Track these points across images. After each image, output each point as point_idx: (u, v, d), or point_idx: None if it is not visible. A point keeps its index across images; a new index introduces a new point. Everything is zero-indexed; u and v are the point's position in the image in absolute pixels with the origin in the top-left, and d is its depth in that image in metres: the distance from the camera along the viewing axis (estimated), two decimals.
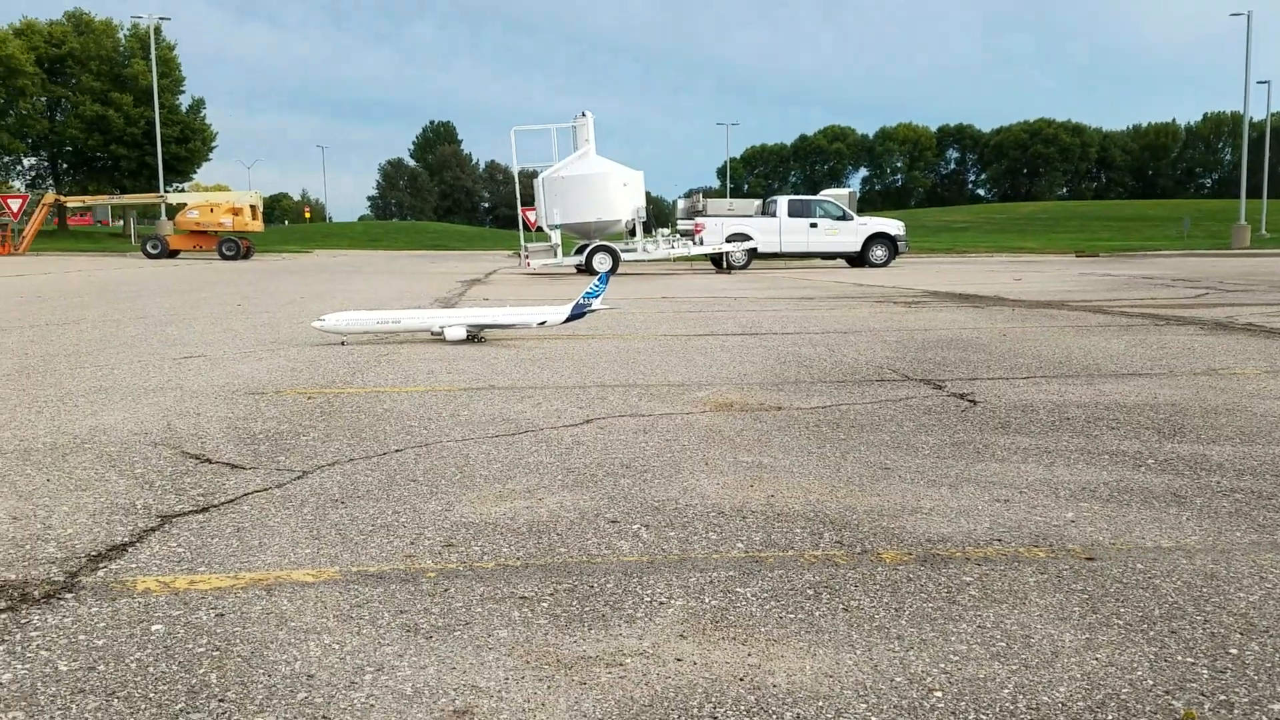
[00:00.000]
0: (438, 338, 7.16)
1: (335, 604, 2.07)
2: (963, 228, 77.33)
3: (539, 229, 25.35)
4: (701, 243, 25.46)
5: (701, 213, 27.40)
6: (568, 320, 7.68)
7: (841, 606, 2.06)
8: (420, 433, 3.93)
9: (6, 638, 1.86)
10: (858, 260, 27.38)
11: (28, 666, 1.74)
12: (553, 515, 2.74)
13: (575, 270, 23.39)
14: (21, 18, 61.22)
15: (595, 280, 7.97)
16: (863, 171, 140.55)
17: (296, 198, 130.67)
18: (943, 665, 1.80)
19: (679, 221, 27.61)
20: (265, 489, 3.03)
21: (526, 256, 24.13)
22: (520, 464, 3.38)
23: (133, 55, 62.14)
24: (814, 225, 27.12)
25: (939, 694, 1.68)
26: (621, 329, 8.55)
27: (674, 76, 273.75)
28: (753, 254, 26.56)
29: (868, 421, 4.14)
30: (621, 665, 1.77)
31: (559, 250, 23.56)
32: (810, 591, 2.14)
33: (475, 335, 7.21)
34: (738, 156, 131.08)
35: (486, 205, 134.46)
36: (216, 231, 37.81)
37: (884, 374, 5.59)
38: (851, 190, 40.26)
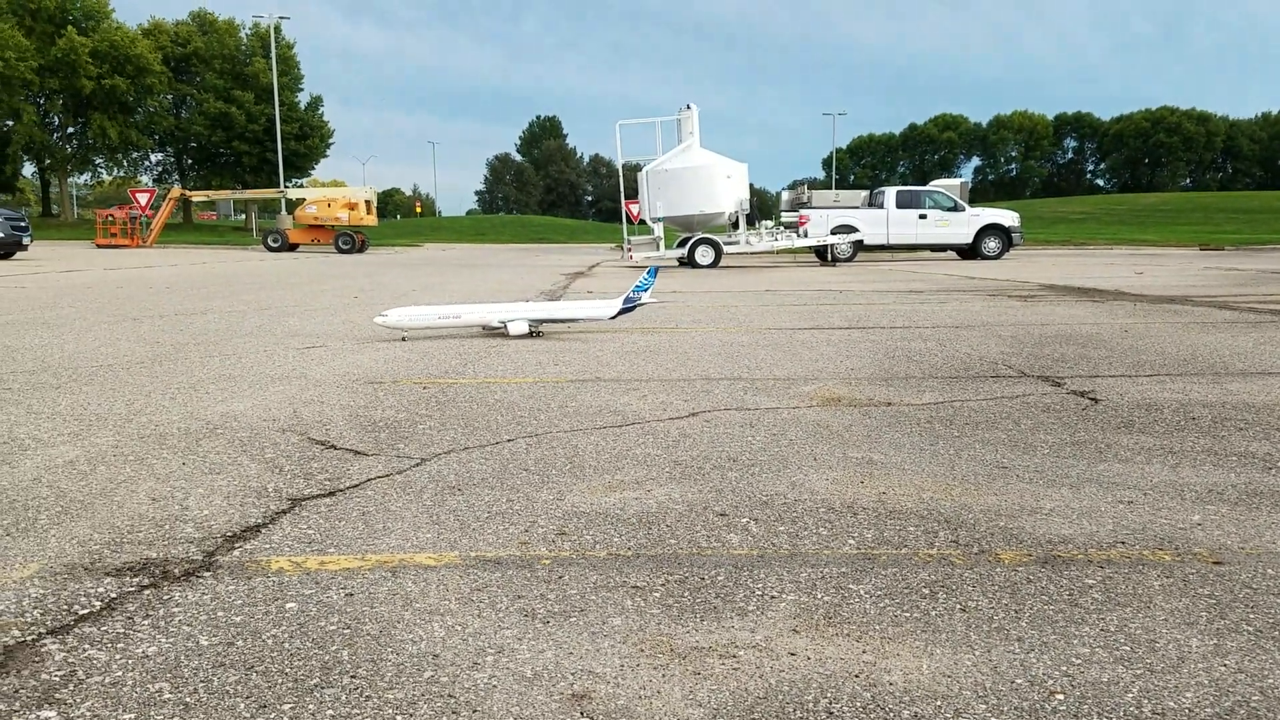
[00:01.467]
0: (497, 331, 7.14)
1: (456, 587, 2.14)
2: (1080, 219, 74.66)
3: (642, 222, 25.47)
4: (805, 235, 25.19)
5: (806, 204, 27.15)
6: (619, 314, 7.64)
7: (959, 606, 2.03)
8: (530, 423, 4.01)
9: (151, 613, 1.98)
10: (969, 253, 26.70)
11: (171, 640, 1.85)
12: (661, 507, 2.77)
13: (677, 263, 23.42)
14: (150, 18, 64.26)
15: (645, 273, 7.92)
16: (975, 161, 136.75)
17: (408, 193, 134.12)
18: (1064, 668, 1.76)
19: (783, 213, 27.40)
20: (387, 475, 3.14)
21: (629, 249, 24.26)
22: (628, 455, 3.42)
23: (254, 54, 64.58)
24: (923, 216, 26.54)
25: (1060, 697, 1.65)
26: (725, 322, 8.54)
27: (780, 67, 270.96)
28: (858, 246, 26.16)
29: (983, 419, 4.06)
30: (735, 657, 1.78)
31: (661, 243, 23.62)
32: (926, 590, 2.12)
33: (535, 330, 7.22)
34: (844, 147, 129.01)
35: (590, 199, 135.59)
36: (333, 226, 39.05)
37: (999, 370, 5.46)
38: (963, 180, 39.26)
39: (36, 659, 1.75)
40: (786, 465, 3.26)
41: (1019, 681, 1.71)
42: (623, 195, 26.13)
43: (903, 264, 24.80)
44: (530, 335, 7.08)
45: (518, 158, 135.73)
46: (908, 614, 2.00)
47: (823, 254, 25.92)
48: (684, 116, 23.89)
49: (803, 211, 26.11)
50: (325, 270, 20.88)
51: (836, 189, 41.80)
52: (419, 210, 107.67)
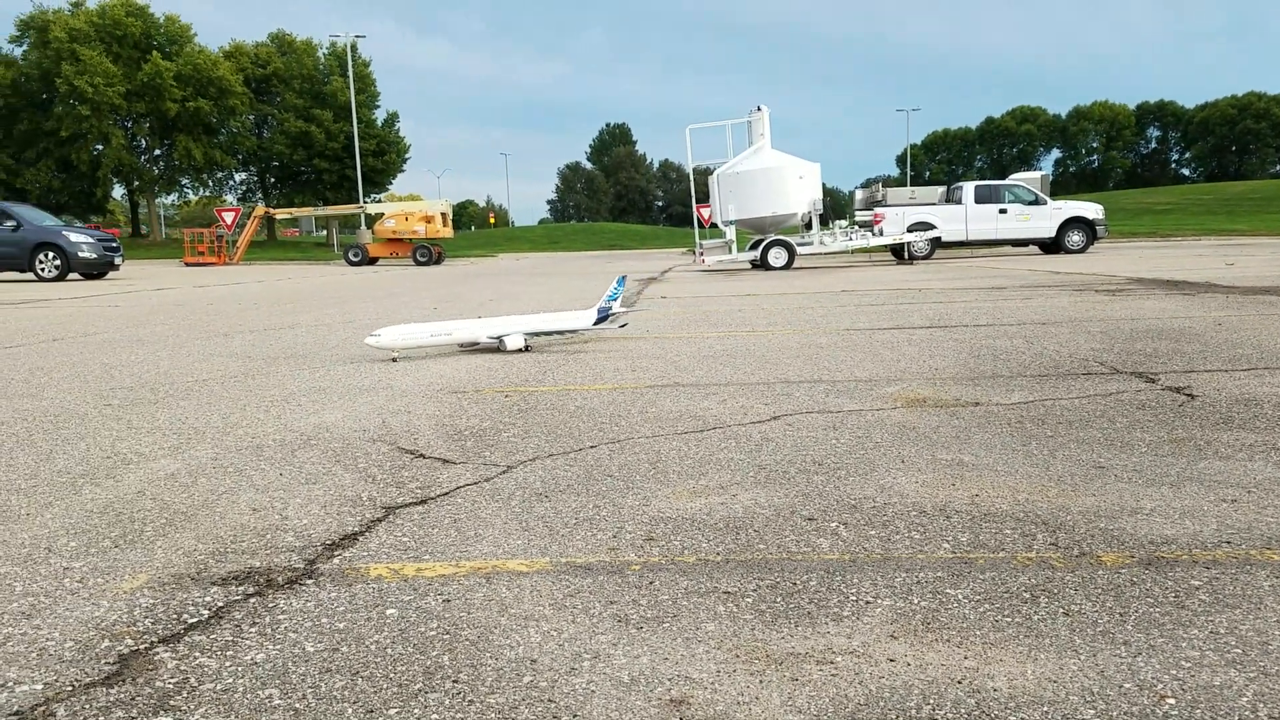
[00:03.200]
0: (491, 348, 6.79)
1: (549, 593, 2.16)
2: (1166, 210, 72.33)
3: (713, 225, 25.42)
4: (881, 233, 24.89)
5: (881, 202, 26.82)
6: (596, 324, 7.34)
7: (1061, 610, 1.99)
8: (612, 429, 4.03)
9: (257, 621, 2.04)
10: (1052, 247, 26.09)
11: (278, 647, 1.90)
12: (748, 512, 2.76)
13: (750, 265, 23.33)
14: (230, 41, 66.43)
15: (614, 283, 7.69)
16: (1055, 153, 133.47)
17: (481, 204, 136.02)
18: (1174, 672, 1.71)
19: (857, 212, 27.10)
20: (475, 483, 3.18)
21: (701, 253, 24.24)
22: (711, 460, 3.42)
23: (331, 73, 66.28)
24: (1003, 211, 26.01)
25: (1172, 701, 1.61)
26: (802, 323, 8.47)
27: (851, 65, 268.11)
28: (936, 243, 25.75)
29: (1076, 417, 3.96)
30: (832, 663, 1.77)
31: (734, 246, 23.56)
32: (1026, 594, 2.08)
33: (527, 345, 6.82)
34: (918, 143, 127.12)
35: (660, 204, 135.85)
36: (411, 239, 39.82)
37: (1090, 367, 5.32)
38: (1043, 173, 38.38)
39: (150, 667, 1.82)
40: (874, 468, 3.22)
41: (1127, 686, 1.66)
42: (694, 199, 26.14)
43: (982, 260, 24.33)
44: (524, 350, 6.74)
45: (588, 166, 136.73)
46: (1009, 619, 1.96)
47: (899, 252, 25.58)
48: (755, 118, 23.80)
49: (878, 210, 25.81)
50: (404, 283, 21.28)
51: (912, 186, 41.21)
52: (493, 221, 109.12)
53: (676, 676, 1.73)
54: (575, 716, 1.59)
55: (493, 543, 2.55)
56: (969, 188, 26.61)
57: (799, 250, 23.15)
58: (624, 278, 8.01)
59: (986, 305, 9.86)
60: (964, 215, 25.95)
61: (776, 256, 22.62)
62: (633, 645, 1.87)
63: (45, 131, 58.55)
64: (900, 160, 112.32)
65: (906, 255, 25.16)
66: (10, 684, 1.74)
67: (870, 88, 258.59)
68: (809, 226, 23.60)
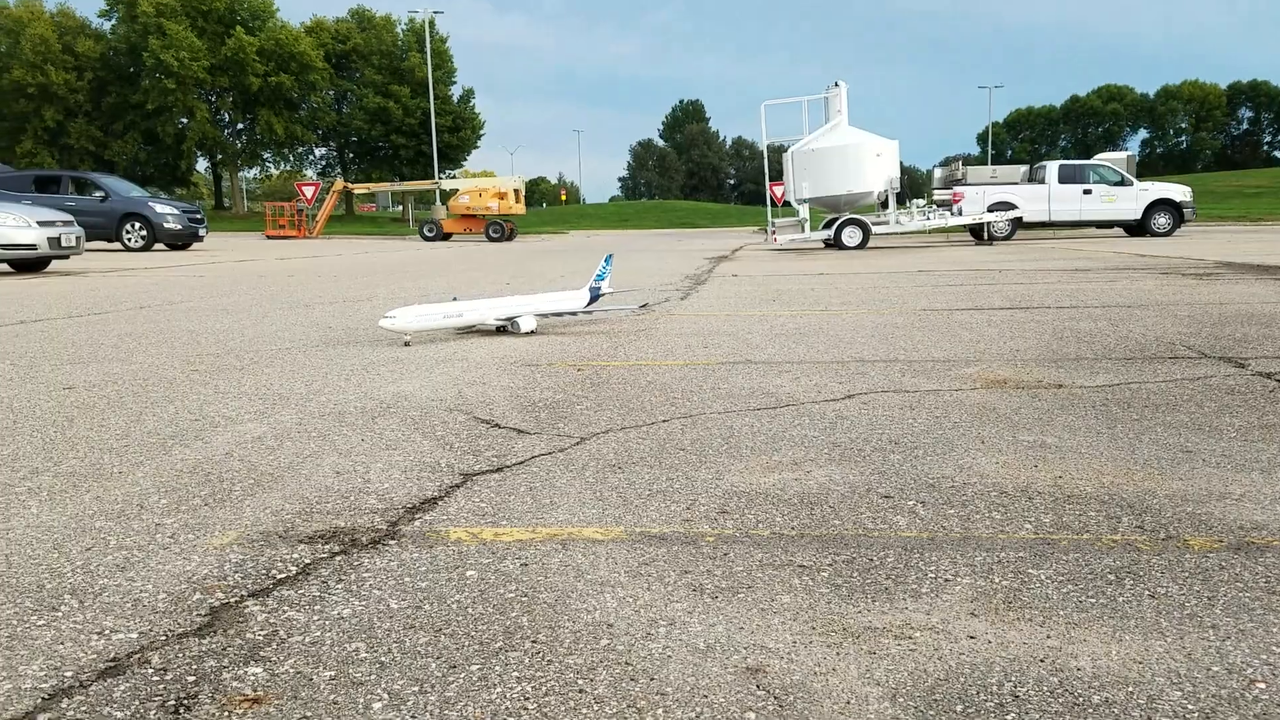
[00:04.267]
0: (501, 330, 6.52)
1: (624, 561, 2.18)
2: (1256, 193, 69.54)
3: (786, 204, 25.19)
4: (960, 213, 24.39)
5: (960, 181, 26.27)
6: (590, 304, 7.02)
7: (1147, 593, 1.94)
8: (684, 404, 4.03)
9: (343, 578, 2.10)
10: (1137, 229, 25.32)
11: (364, 603, 1.95)
12: (822, 488, 2.75)
13: (823, 244, 23.07)
14: (311, 17, 67.44)
15: (602, 262, 7.40)
16: (1142, 134, 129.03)
17: (553, 181, 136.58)
18: (1264, 657, 1.66)
19: (935, 191, 26.59)
20: (549, 453, 3.22)
21: (773, 232, 24.04)
22: (784, 437, 3.40)
23: (410, 49, 67.00)
24: (1088, 192, 25.30)
25: (1262, 685, 1.56)
26: (877, 303, 8.37)
27: (933, 40, 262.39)
28: (1017, 224, 25.16)
29: (1162, 401, 3.85)
30: (910, 638, 1.76)
31: (807, 225, 23.30)
32: (1111, 576, 2.03)
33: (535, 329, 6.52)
34: (1000, 121, 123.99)
35: (732, 182, 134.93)
36: (484, 215, 40.19)
37: (1177, 351, 5.16)
38: (1130, 154, 37.23)
39: (240, 619, 1.88)
40: (952, 448, 3.18)
41: (1216, 669, 1.62)
42: (767, 177, 25.90)
43: (1065, 242, 23.73)
44: (533, 332, 6.45)
45: (660, 143, 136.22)
46: (1093, 600, 1.92)
47: (978, 232, 25.06)
48: (832, 94, 23.46)
49: (957, 189, 25.31)
50: (478, 258, 21.52)
51: (993, 165, 40.26)
52: (564, 198, 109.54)
53: (753, 645, 1.73)
54: (652, 680, 1.60)
55: (568, 511, 2.58)
56: (1053, 167, 25.93)
57: (874, 230, 22.80)
58: (610, 256, 7.61)
59: (1069, 287, 9.62)
60: (1047, 195, 25.30)
61: (851, 236, 22.33)
62: (708, 614, 1.88)
63: (132, 104, 60.27)
64: (981, 138, 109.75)
65: (986, 236, 24.63)
66: (107, 632, 1.82)
67: (952, 63, 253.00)
68: (885, 205, 23.23)
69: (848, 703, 1.52)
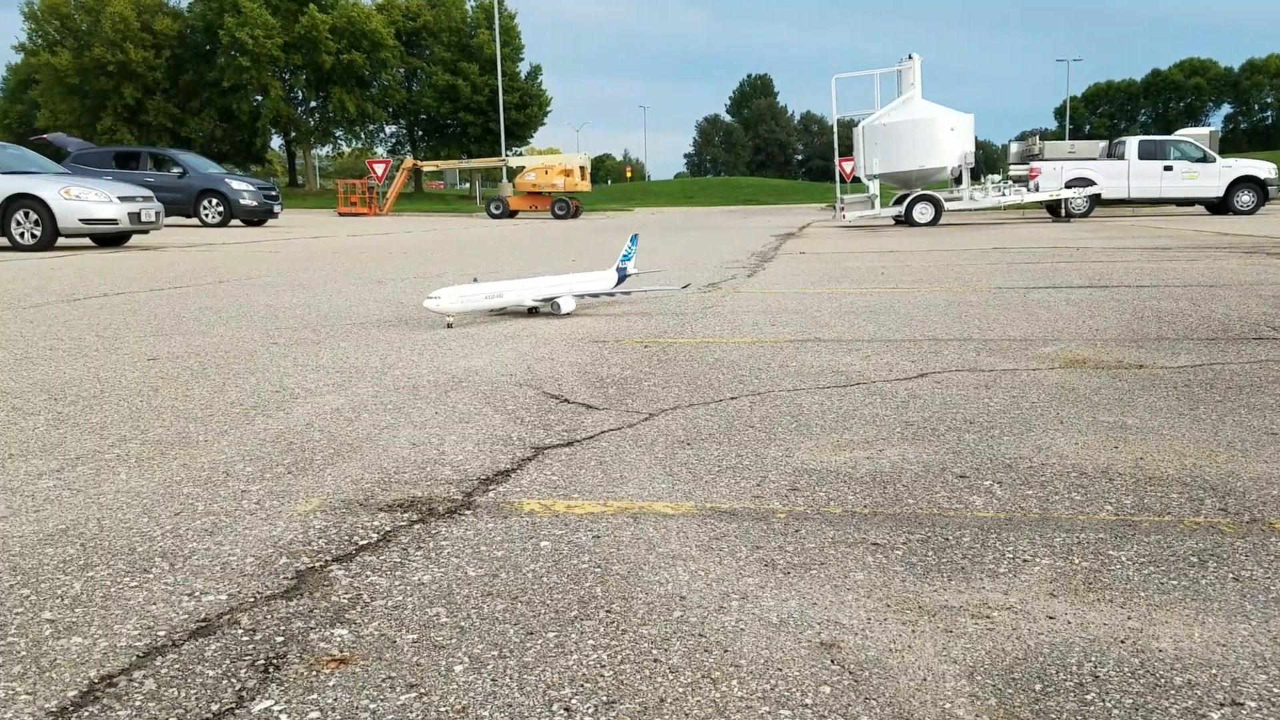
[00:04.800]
0: (535, 311, 6.32)
1: (695, 535, 2.19)
2: None
3: (855, 180, 24.84)
4: (1036, 189, 23.80)
5: (1037, 156, 25.64)
6: (618, 284, 6.90)
7: (1231, 576, 1.90)
8: (752, 382, 4.02)
9: (422, 545, 2.14)
10: (1219, 207, 24.49)
11: (442, 570, 2.00)
12: (895, 467, 2.72)
13: (894, 221, 22.71)
14: None
15: (628, 242, 7.22)
16: (1225, 109, 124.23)
17: (619, 158, 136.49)
18: None
19: (1011, 167, 25.99)
20: (619, 428, 3.24)
21: (842, 208, 23.74)
22: (855, 415, 3.37)
23: (478, 25, 67.22)
24: (1168, 168, 24.52)
25: None
26: (950, 281, 8.23)
27: (1008, 13, 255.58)
28: (1095, 201, 24.49)
29: (1246, 383, 3.74)
30: (988, 618, 1.74)
31: (877, 201, 22.95)
32: (1194, 559, 1.99)
33: (551, 306, 6.31)
34: (1078, 95, 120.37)
35: (800, 158, 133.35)
36: (550, 192, 40.30)
37: (1261, 331, 5.00)
38: (1212, 129, 35.87)
39: (326, 583, 1.93)
40: (1030, 428, 3.12)
41: None
42: (836, 152, 25.54)
43: (1145, 219, 23.04)
44: (550, 313, 6.24)
45: (727, 118, 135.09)
46: (1175, 582, 1.88)
47: (1055, 209, 24.44)
48: (905, 67, 22.99)
49: (1033, 164, 24.69)
50: (543, 235, 21.63)
51: (1071, 139, 39.18)
52: (629, 175, 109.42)
53: (826, 621, 1.73)
54: (726, 652, 1.61)
55: (638, 485, 2.60)
56: (1132, 143, 25.17)
57: (947, 206, 22.36)
58: (636, 236, 7.53)
59: (1149, 266, 9.36)
60: (1126, 172, 24.57)
61: (922, 212, 21.93)
62: (780, 589, 1.88)
63: (208, 82, 61.52)
64: (1058, 113, 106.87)
65: (1063, 212, 24.02)
66: (197, 593, 1.89)
67: (1029, 36, 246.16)
68: (959, 181, 22.77)
69: (924, 680, 1.52)
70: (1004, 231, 18.34)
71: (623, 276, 7.00)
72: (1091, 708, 1.44)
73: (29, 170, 15.40)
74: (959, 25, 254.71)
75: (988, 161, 26.72)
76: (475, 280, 6.38)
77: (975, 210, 23.80)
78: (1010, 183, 24.28)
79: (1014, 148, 29.18)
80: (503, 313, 6.38)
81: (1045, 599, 1.82)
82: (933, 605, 1.80)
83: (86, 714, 1.44)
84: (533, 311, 6.32)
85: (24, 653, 1.64)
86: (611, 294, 6.86)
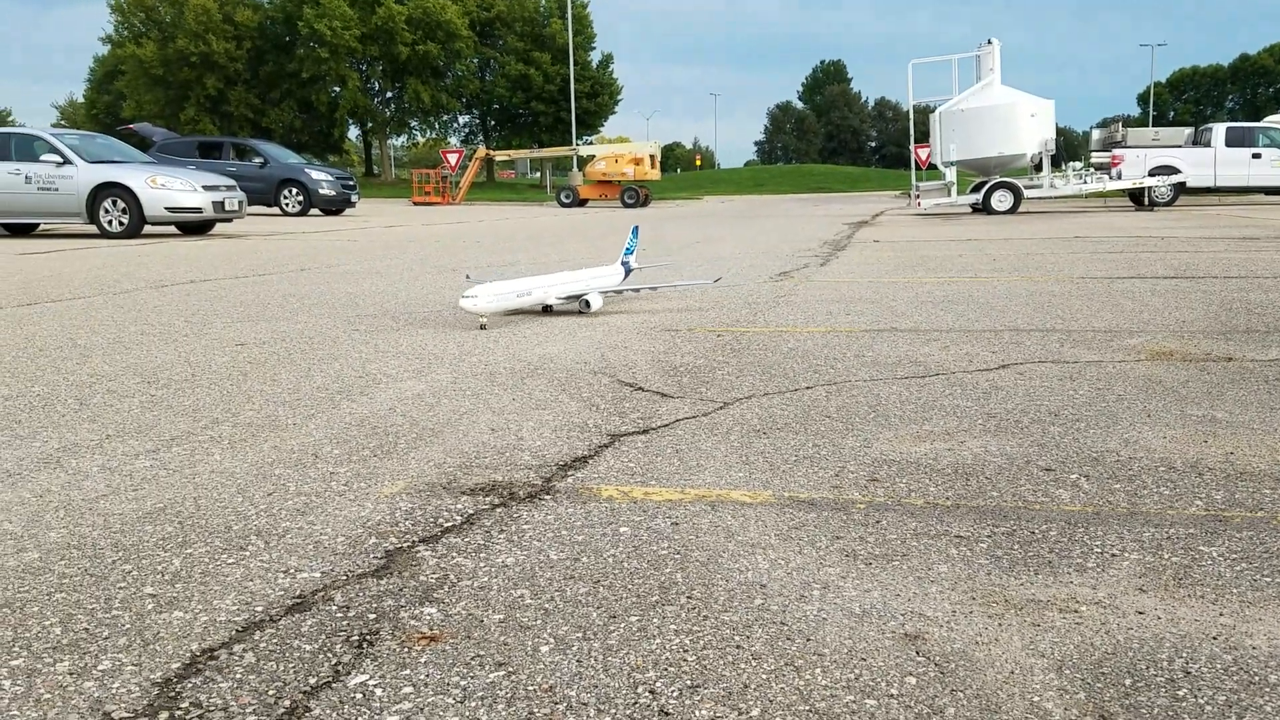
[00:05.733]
0: (549, 309, 5.92)
1: (774, 524, 2.19)
2: None
3: (931, 167, 24.43)
4: (1119, 176, 23.15)
5: (1120, 143, 24.89)
6: (625, 279, 6.58)
7: None
8: (828, 371, 4.00)
9: (504, 528, 2.18)
10: None
11: (525, 553, 2.03)
12: (977, 459, 2.69)
13: (970, 209, 22.29)
14: None
15: (630, 234, 6.88)
16: None
17: (688, 146, 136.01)
18: None
19: (1093, 154, 25.30)
20: (693, 416, 3.25)
21: (917, 196, 23.38)
22: (935, 406, 3.34)
23: (551, 15, 67.49)
24: (1257, 156, 23.65)
25: None
26: (1030, 270, 8.06)
27: None
28: (1180, 189, 23.73)
29: None
30: (1076, 612, 1.72)
31: (954, 189, 22.55)
32: None
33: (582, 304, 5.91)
34: (1163, 81, 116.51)
35: (873, 145, 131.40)
36: (619, 181, 40.37)
37: None
38: None
39: (414, 563, 1.98)
40: (1116, 421, 3.06)
41: None
42: (912, 139, 25.15)
43: (1232, 208, 22.25)
44: (580, 312, 5.87)
45: (799, 105, 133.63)
46: (1268, 578, 1.83)
47: (1138, 197, 23.76)
48: (984, 52, 22.52)
49: (1116, 151, 24.00)
50: (613, 224, 21.69)
51: (1155, 126, 38.00)
52: (699, 163, 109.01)
53: (910, 613, 1.72)
54: (809, 640, 1.62)
55: (714, 473, 2.60)
56: (1219, 129, 24.32)
57: (1026, 194, 21.88)
58: (637, 228, 7.16)
59: (1238, 256, 9.05)
60: (1213, 159, 23.76)
61: (1001, 200, 21.48)
62: (862, 580, 1.87)
63: (288, 73, 62.80)
64: (1142, 99, 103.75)
65: (1147, 201, 23.33)
66: (292, 570, 1.95)
67: (1111, 20, 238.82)
68: (1038, 168, 22.26)
69: (1011, 673, 1.50)
70: (1085, 220, 17.89)
71: (628, 271, 6.69)
72: (1183, 704, 1.41)
73: (117, 160, 15.91)
74: (1040, 9, 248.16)
75: (1069, 148, 26.05)
76: (467, 277, 6.15)
77: (1055, 198, 23.24)
78: (1092, 170, 23.66)
79: (1096, 134, 28.37)
80: (518, 312, 5.83)
81: (1134, 594, 1.78)
82: (1019, 599, 1.78)
83: (190, 685, 1.50)
84: (547, 310, 5.90)
85: (128, 625, 1.71)
86: (637, 290, 6.59)
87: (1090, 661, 1.54)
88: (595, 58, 70.29)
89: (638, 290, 6.59)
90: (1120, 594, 1.79)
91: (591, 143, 62.66)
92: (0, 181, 14.78)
